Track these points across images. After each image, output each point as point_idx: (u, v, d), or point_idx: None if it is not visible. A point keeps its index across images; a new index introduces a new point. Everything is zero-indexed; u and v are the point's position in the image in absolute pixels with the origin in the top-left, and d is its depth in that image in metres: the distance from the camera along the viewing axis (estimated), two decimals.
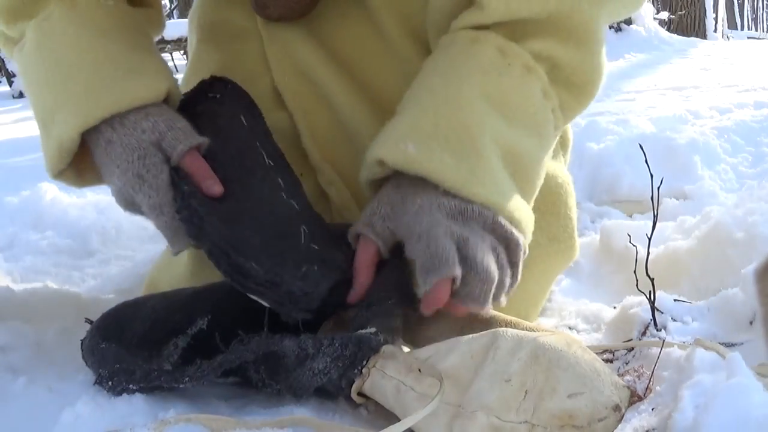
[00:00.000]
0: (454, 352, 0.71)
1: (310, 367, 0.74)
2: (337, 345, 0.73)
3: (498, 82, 0.83)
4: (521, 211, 0.81)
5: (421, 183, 0.79)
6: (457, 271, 0.74)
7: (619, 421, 0.66)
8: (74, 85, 0.85)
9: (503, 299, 0.79)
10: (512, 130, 0.83)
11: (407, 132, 0.80)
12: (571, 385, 0.66)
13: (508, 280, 0.79)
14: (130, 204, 0.85)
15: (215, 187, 0.81)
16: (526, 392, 0.65)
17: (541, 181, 0.88)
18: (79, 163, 0.88)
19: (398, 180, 0.81)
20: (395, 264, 0.80)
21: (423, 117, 0.81)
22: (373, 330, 0.75)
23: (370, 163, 0.82)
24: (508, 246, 0.80)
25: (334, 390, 0.75)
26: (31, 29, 0.90)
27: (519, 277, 0.81)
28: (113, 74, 0.85)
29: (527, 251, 0.82)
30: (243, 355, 0.75)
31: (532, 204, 0.86)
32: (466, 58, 0.83)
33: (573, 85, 0.88)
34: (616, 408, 0.67)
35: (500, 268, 0.78)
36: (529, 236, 0.83)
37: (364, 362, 0.72)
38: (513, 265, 0.80)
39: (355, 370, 0.73)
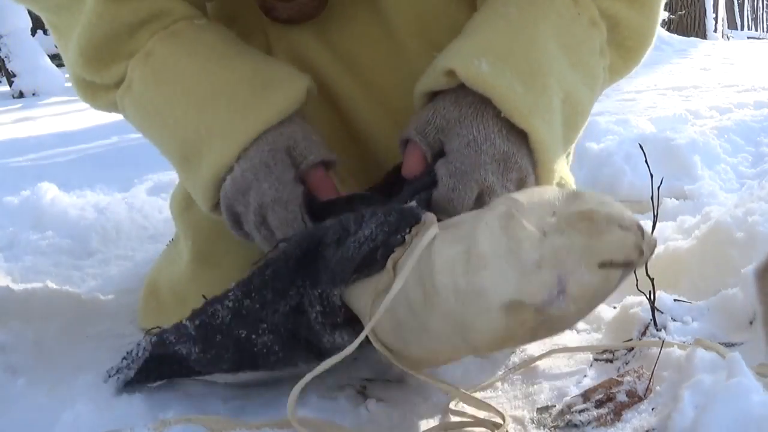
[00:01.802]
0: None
1: (355, 238, 0.71)
2: (380, 214, 0.72)
3: (570, 26, 0.84)
4: (556, 156, 0.82)
5: (481, 105, 0.78)
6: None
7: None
8: (215, 112, 0.83)
9: None
10: (575, 76, 0.84)
11: (482, 49, 0.80)
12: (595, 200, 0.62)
13: None
14: (239, 195, 0.82)
15: None
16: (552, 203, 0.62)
17: (583, 129, 0.89)
18: None
19: (458, 95, 0.80)
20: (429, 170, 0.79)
21: (498, 39, 0.81)
22: (414, 203, 0.73)
23: (438, 72, 0.81)
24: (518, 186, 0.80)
25: (371, 266, 0.71)
26: (135, 69, 0.87)
27: None
28: (252, 92, 0.83)
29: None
30: (287, 248, 0.74)
31: (572, 144, 0.87)
32: None
33: (625, 48, 0.90)
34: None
35: None
36: (552, 180, 0.83)
37: (408, 230, 0.70)
38: None
39: (398, 236, 0.70)
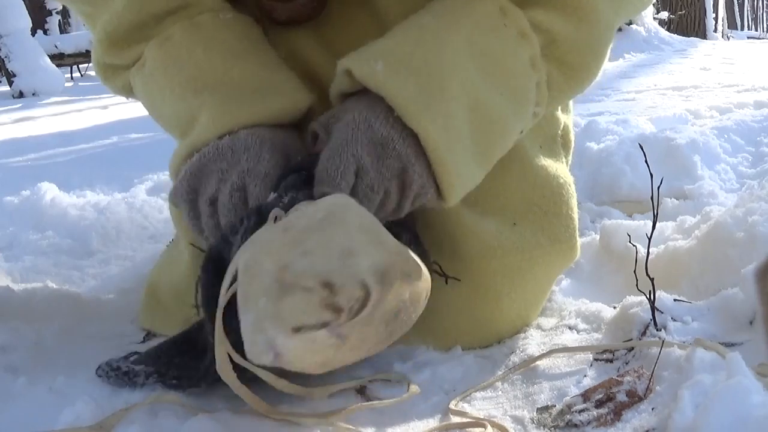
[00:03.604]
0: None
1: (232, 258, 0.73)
2: (243, 220, 0.75)
3: (488, 36, 0.84)
4: (459, 163, 0.81)
5: (377, 101, 0.79)
6: (340, 191, 0.76)
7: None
8: (212, 97, 0.85)
9: None
10: (487, 84, 0.83)
11: (382, 52, 0.82)
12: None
13: (380, 212, 0.79)
14: (219, 159, 0.82)
15: None
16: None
17: (506, 146, 0.88)
18: None
19: (360, 94, 0.82)
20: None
21: (402, 44, 0.82)
22: (274, 195, 0.76)
23: (339, 71, 0.83)
24: (403, 193, 0.80)
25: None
26: (151, 50, 0.90)
27: (400, 216, 0.82)
28: (253, 91, 0.86)
29: (426, 200, 0.82)
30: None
31: (489, 164, 0.87)
32: (464, 7, 0.84)
33: (566, 65, 0.88)
34: (363, 286, 0.62)
35: (382, 209, 0.79)
36: (455, 193, 0.82)
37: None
38: (399, 208, 0.81)
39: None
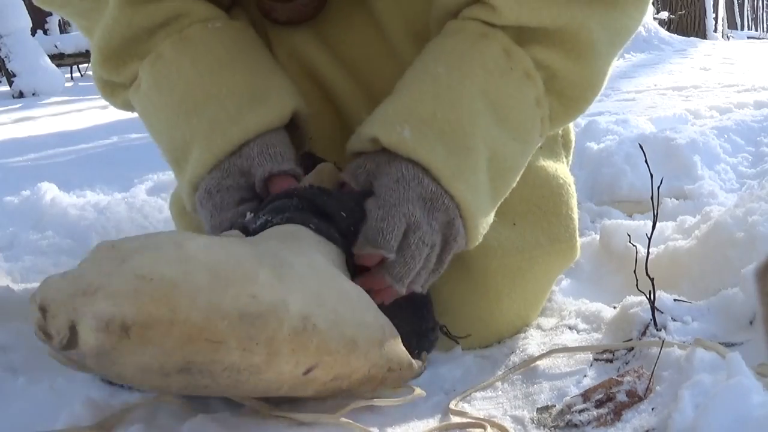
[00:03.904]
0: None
1: None
2: None
3: (498, 83, 0.84)
4: (482, 214, 0.84)
5: (413, 165, 0.81)
6: (390, 256, 0.78)
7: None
8: (200, 122, 0.86)
9: (418, 287, 0.82)
10: (502, 132, 0.85)
11: (405, 115, 0.82)
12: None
13: (428, 274, 0.83)
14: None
15: None
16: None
17: (515, 184, 0.90)
18: None
19: (392, 155, 0.82)
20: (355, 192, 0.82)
21: (422, 103, 0.83)
22: (251, 216, 0.79)
23: (363, 139, 0.84)
24: (446, 245, 0.83)
25: None
26: (144, 68, 0.90)
27: (441, 272, 0.84)
28: (238, 106, 0.86)
29: (460, 250, 0.84)
30: None
31: (501, 200, 0.89)
32: (472, 52, 0.85)
33: (565, 98, 0.90)
34: None
35: (428, 261, 0.81)
36: (477, 241, 0.85)
37: None
38: (440, 262, 0.83)
39: None
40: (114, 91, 0.96)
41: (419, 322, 0.86)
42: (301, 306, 0.65)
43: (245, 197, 0.85)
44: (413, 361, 0.78)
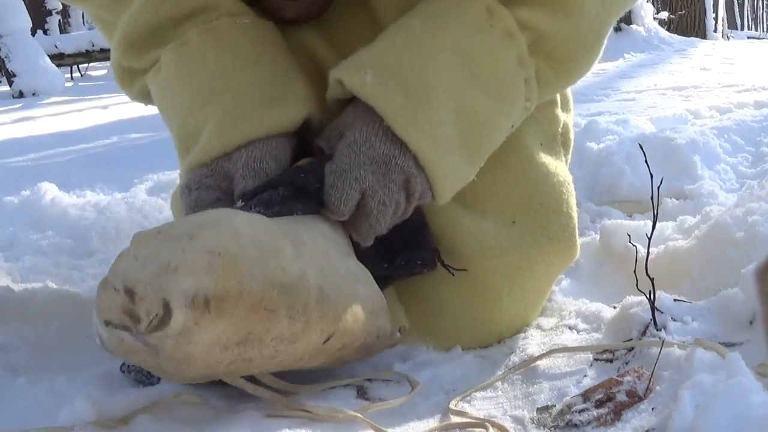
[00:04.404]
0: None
1: None
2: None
3: (474, 39, 0.85)
4: (447, 166, 0.84)
5: (371, 112, 0.82)
6: (343, 219, 0.81)
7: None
8: (215, 111, 0.86)
9: (382, 232, 0.84)
10: (473, 87, 0.85)
11: (372, 61, 0.84)
12: None
13: (392, 220, 0.84)
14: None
15: None
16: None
17: (496, 143, 0.90)
18: None
19: (356, 103, 0.84)
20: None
21: (390, 51, 0.85)
22: (241, 204, 0.80)
23: (331, 81, 0.86)
24: (409, 200, 0.84)
25: None
26: (167, 54, 0.90)
27: (406, 216, 0.86)
28: (254, 103, 0.87)
29: (431, 200, 0.86)
30: None
31: (480, 162, 0.89)
32: (453, 9, 0.86)
33: (554, 60, 0.90)
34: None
35: (395, 216, 0.84)
36: (446, 194, 0.86)
37: None
38: (405, 213, 0.85)
39: None
40: (133, 78, 0.96)
41: (416, 246, 0.88)
42: (316, 278, 0.69)
43: (221, 198, 0.86)
44: (395, 330, 0.82)
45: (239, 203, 0.82)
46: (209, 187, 0.86)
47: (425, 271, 0.90)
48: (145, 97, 0.99)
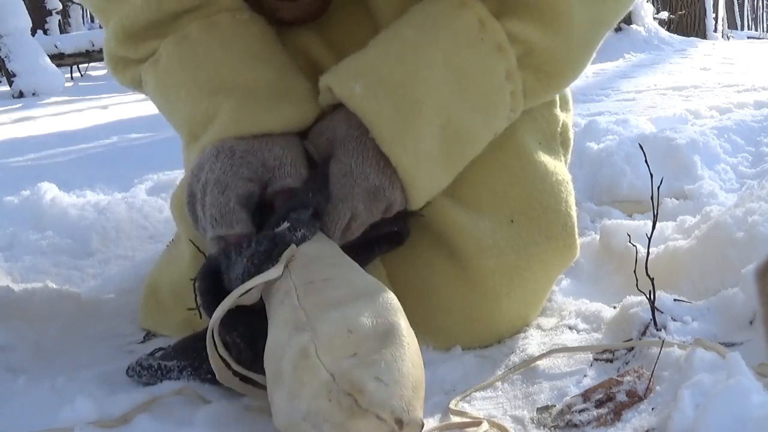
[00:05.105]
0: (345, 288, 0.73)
1: (235, 277, 0.77)
2: (253, 244, 0.77)
3: (465, 53, 0.86)
4: (425, 178, 0.87)
5: (359, 122, 0.84)
6: (335, 240, 0.84)
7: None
8: (228, 99, 0.87)
9: None
10: (460, 101, 0.86)
11: (362, 70, 0.85)
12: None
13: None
14: (197, 169, 0.85)
15: None
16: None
17: (475, 153, 0.92)
18: None
19: (349, 113, 0.85)
20: (324, 170, 0.87)
21: (381, 61, 0.86)
22: (287, 225, 0.79)
23: (322, 87, 0.87)
24: (385, 213, 0.87)
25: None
26: (167, 46, 0.91)
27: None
28: (267, 96, 0.87)
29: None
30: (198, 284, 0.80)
31: (458, 170, 0.91)
32: (445, 19, 0.86)
33: (542, 73, 0.91)
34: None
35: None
36: (420, 203, 0.88)
37: (279, 258, 0.76)
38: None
39: (270, 265, 0.76)
40: (126, 66, 0.96)
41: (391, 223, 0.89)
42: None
43: (252, 179, 0.85)
44: None
45: (284, 225, 0.80)
46: (249, 164, 0.84)
47: (396, 230, 0.90)
48: (136, 85, 0.99)
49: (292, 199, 0.83)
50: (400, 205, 0.88)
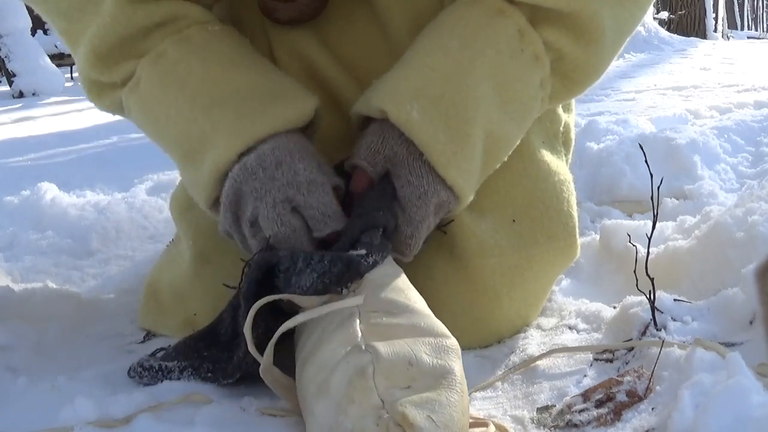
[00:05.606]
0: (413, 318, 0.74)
1: (297, 284, 0.76)
2: (326, 261, 0.77)
3: (507, 65, 0.87)
4: (473, 187, 0.89)
5: (413, 144, 0.84)
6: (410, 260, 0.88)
7: None
8: (223, 114, 0.86)
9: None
10: (502, 114, 0.87)
11: (415, 91, 0.85)
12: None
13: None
14: (259, 171, 0.84)
15: None
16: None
17: (507, 155, 0.93)
18: None
19: (398, 129, 0.85)
20: (385, 188, 0.87)
21: (432, 81, 0.85)
22: (363, 252, 0.79)
23: (372, 107, 0.86)
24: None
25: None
26: (144, 67, 0.89)
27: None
28: (261, 101, 0.86)
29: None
30: (249, 274, 0.79)
31: (492, 170, 0.93)
32: (486, 29, 0.87)
33: (569, 80, 0.91)
34: None
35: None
36: (463, 207, 0.90)
37: (349, 284, 0.77)
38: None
39: (339, 288, 0.77)
40: (102, 91, 0.94)
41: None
42: None
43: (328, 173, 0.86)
44: None
45: (360, 251, 0.80)
46: (326, 174, 0.86)
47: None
48: (116, 110, 0.97)
49: (362, 217, 0.83)
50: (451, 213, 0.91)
